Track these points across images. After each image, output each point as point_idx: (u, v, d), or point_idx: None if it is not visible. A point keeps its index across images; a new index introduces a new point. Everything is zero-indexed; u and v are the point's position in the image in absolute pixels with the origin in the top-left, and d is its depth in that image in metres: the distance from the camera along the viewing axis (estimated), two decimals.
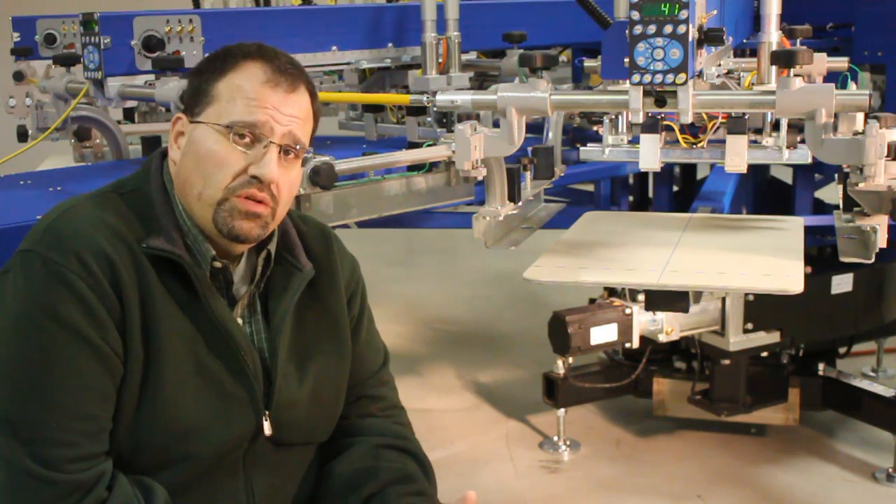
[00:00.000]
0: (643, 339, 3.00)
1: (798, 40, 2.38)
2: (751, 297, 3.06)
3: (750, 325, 3.11)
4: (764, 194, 3.61)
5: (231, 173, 1.47)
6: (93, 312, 1.38)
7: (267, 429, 1.53)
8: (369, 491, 1.60)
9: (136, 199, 1.51)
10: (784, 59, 1.87)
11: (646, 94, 1.79)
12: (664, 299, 2.14)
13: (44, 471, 1.35)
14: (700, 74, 1.93)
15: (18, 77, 3.19)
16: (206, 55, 1.60)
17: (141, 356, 1.43)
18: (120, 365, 1.41)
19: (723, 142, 2.05)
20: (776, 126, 2.14)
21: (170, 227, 1.48)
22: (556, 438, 3.35)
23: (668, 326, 2.98)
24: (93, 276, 1.39)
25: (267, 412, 1.53)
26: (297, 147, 1.52)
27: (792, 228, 2.23)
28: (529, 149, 2.35)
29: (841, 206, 2.19)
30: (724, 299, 3.06)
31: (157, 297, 1.45)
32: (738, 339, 3.12)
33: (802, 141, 2.05)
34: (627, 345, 2.99)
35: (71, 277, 1.38)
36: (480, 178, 2.13)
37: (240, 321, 1.55)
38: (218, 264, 1.52)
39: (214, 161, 1.47)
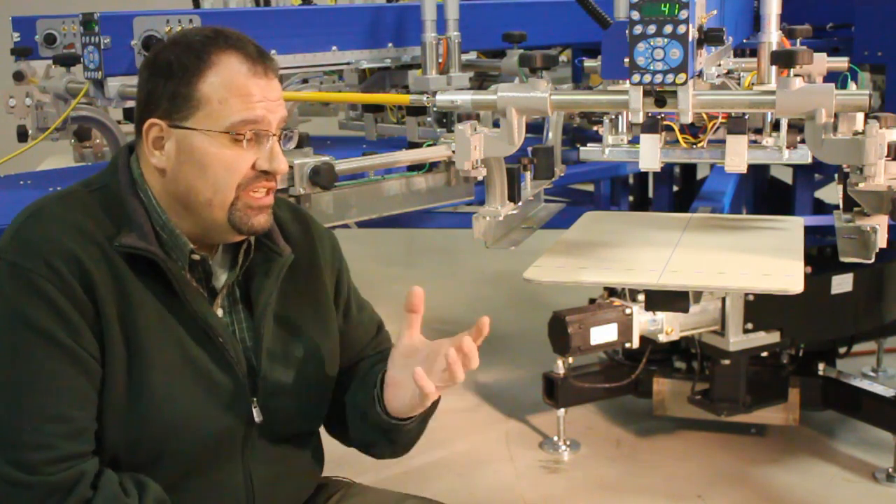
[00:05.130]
0: (643, 339, 3.00)
1: (798, 40, 2.38)
2: (751, 297, 3.06)
3: (750, 325, 3.11)
4: (764, 194, 3.61)
5: (240, 174, 1.48)
6: (64, 316, 1.39)
7: (257, 416, 1.53)
8: (357, 389, 1.64)
9: (105, 196, 1.51)
10: (784, 59, 1.87)
11: (646, 94, 1.78)
12: (664, 299, 2.14)
13: (21, 475, 1.35)
14: (700, 74, 1.93)
15: (18, 77, 3.18)
16: (159, 50, 1.53)
17: (123, 354, 1.43)
18: (97, 366, 1.42)
19: (723, 142, 2.05)
20: (776, 126, 2.13)
21: (141, 222, 1.48)
22: (556, 438, 3.35)
23: (668, 326, 2.98)
24: (62, 280, 1.39)
25: (254, 399, 1.53)
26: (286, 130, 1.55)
27: (792, 228, 2.22)
28: (529, 149, 2.35)
29: (841, 206, 2.18)
30: (724, 299, 3.06)
31: (135, 294, 1.45)
32: (738, 339, 3.12)
33: (802, 141, 2.05)
34: (627, 345, 2.99)
35: (40, 282, 1.38)
36: (480, 178, 2.13)
37: (220, 312, 1.56)
38: (196, 257, 1.52)
39: (223, 166, 1.47)
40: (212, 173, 1.48)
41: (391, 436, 1.59)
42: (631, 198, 3.78)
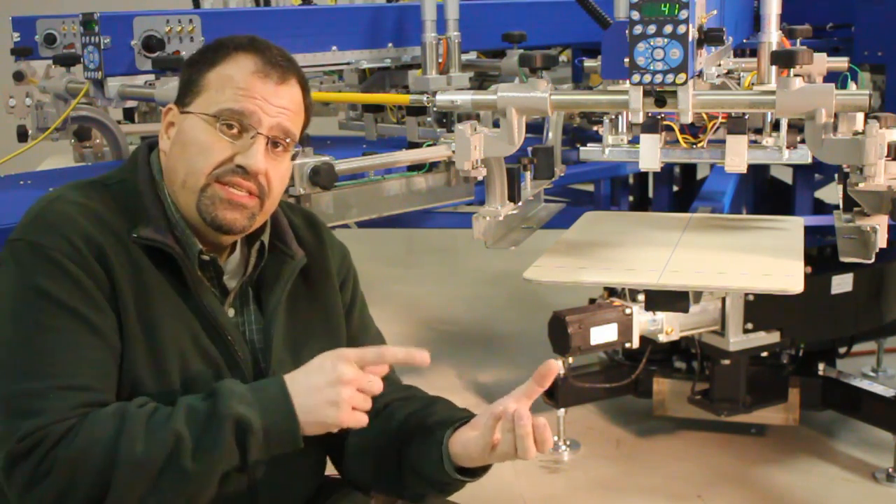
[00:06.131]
0: (643, 339, 2.99)
1: (798, 40, 2.38)
2: (751, 297, 3.06)
3: (750, 325, 3.11)
4: (764, 194, 3.61)
5: (215, 161, 1.47)
6: (85, 291, 1.40)
7: None
8: (405, 440, 1.59)
9: (122, 190, 1.52)
10: (784, 59, 1.87)
11: (646, 94, 1.78)
12: (664, 299, 2.13)
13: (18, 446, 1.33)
14: (700, 74, 1.93)
15: (18, 77, 3.19)
16: (200, 48, 1.60)
17: (141, 337, 1.43)
18: (117, 341, 1.42)
19: (723, 142, 2.05)
20: (776, 126, 2.13)
21: (158, 217, 1.49)
22: (556, 438, 3.35)
23: (668, 326, 2.97)
24: (82, 256, 1.40)
25: None
26: (287, 140, 1.52)
27: (792, 228, 2.22)
28: (529, 149, 2.35)
29: (841, 206, 2.18)
30: (724, 299, 3.06)
31: (152, 283, 1.46)
32: (738, 339, 3.12)
33: (802, 141, 2.05)
34: (627, 345, 2.99)
35: (58, 257, 1.40)
36: (480, 178, 2.13)
37: (231, 312, 1.56)
38: (205, 257, 1.52)
39: (199, 148, 1.48)
40: (189, 153, 1.48)
41: (448, 489, 1.58)
42: (631, 198, 3.78)
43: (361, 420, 1.41)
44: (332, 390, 1.39)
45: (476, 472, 1.55)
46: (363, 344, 1.70)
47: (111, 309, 1.42)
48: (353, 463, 1.67)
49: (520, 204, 2.25)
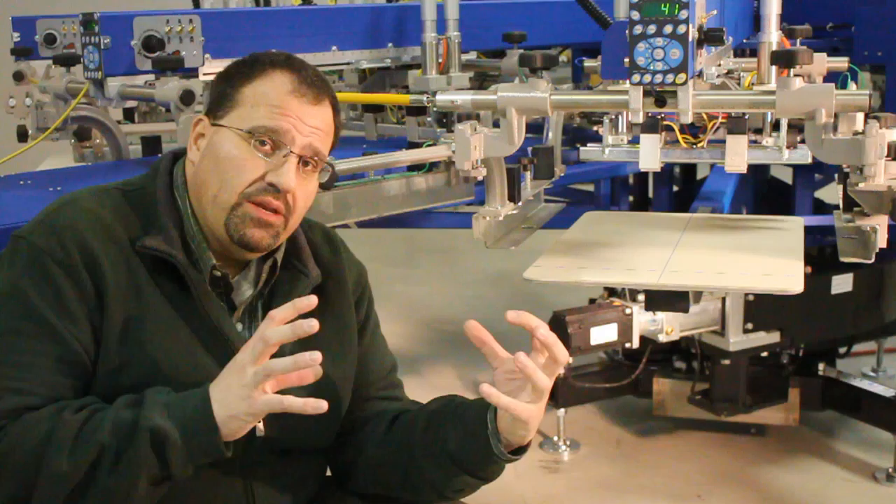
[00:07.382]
0: (643, 339, 3.00)
1: (798, 40, 2.38)
2: (751, 297, 3.07)
3: (750, 325, 3.11)
4: (764, 194, 3.61)
5: (248, 178, 1.48)
6: (62, 298, 1.40)
7: (260, 428, 1.51)
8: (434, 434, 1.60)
9: (139, 198, 1.52)
10: (784, 59, 1.87)
11: (646, 94, 1.78)
12: (664, 299, 2.14)
13: None
14: (700, 74, 1.93)
15: (18, 77, 3.18)
16: (235, 60, 1.59)
17: (121, 350, 1.42)
18: (84, 357, 1.42)
19: (723, 142, 2.04)
20: (776, 126, 2.13)
21: (170, 227, 1.48)
22: (556, 438, 3.35)
23: (668, 326, 2.98)
24: (70, 261, 1.41)
25: None
26: (316, 159, 1.53)
27: (792, 228, 2.22)
28: (529, 149, 2.35)
29: (841, 206, 2.18)
30: (724, 299, 3.06)
31: (149, 298, 1.45)
32: (738, 339, 3.12)
33: (802, 141, 2.05)
34: (627, 345, 2.99)
35: (48, 263, 1.41)
36: (480, 178, 2.13)
37: (239, 326, 1.55)
38: (217, 273, 1.52)
39: (233, 165, 1.48)
40: (222, 169, 1.48)
41: (490, 475, 1.58)
42: (631, 198, 3.78)
43: (271, 402, 1.36)
44: (237, 378, 1.37)
45: (520, 450, 1.55)
46: (373, 363, 1.71)
47: (93, 321, 1.42)
48: (370, 473, 1.66)
49: (520, 204, 2.25)
